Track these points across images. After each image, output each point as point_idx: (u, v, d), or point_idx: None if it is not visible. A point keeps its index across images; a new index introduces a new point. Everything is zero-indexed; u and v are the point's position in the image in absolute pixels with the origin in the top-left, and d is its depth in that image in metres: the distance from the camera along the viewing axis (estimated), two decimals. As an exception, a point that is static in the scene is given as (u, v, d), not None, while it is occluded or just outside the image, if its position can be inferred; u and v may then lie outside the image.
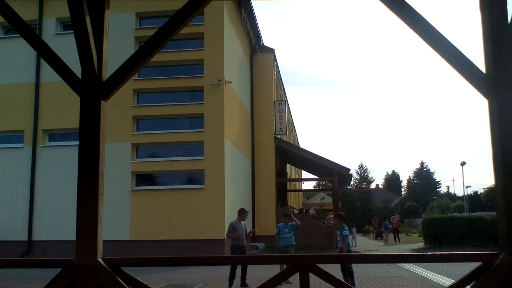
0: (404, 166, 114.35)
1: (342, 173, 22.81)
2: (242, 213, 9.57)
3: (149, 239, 15.41)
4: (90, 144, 3.12)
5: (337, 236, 8.46)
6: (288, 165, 31.23)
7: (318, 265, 3.13)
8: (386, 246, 24.47)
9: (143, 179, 16.78)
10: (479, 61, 3.12)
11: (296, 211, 30.67)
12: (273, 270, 8.39)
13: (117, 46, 12.40)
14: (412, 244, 23.06)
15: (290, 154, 24.80)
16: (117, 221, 15.21)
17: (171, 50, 16.49)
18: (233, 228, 9.28)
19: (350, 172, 25.03)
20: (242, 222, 9.45)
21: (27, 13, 16.45)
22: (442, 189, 78.80)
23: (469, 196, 50.21)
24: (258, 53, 22.75)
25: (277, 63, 25.51)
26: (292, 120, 37.47)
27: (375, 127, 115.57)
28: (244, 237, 9.30)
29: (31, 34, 3.18)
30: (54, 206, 15.85)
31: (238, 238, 9.19)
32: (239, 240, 9.20)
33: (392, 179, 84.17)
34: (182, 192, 16.22)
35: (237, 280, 8.93)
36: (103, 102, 3.18)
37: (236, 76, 18.90)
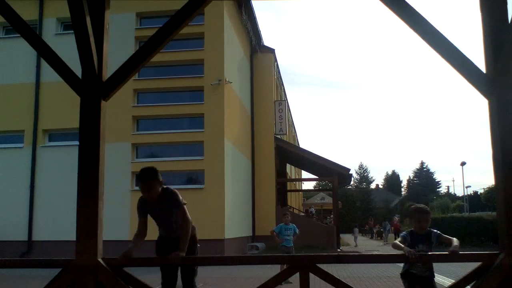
0: (404, 166, 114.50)
1: (342, 173, 22.79)
2: None
3: (149, 239, 15.31)
4: (90, 144, 3.12)
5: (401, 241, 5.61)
6: (288, 165, 31.20)
7: (318, 265, 3.14)
8: (386, 246, 24.47)
9: (143, 179, 16.74)
10: (479, 61, 3.12)
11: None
12: (273, 270, 8.38)
13: (117, 46, 12.38)
14: (412, 244, 22.99)
15: (290, 154, 24.78)
16: (117, 221, 15.16)
17: (171, 50, 16.45)
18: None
19: (350, 172, 25.00)
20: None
21: (27, 13, 16.41)
22: (442, 189, 78.85)
23: (469, 196, 50.20)
24: (258, 53, 22.73)
25: (277, 63, 25.50)
26: (292, 120, 37.45)
27: (375, 127, 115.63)
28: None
29: (31, 34, 3.18)
30: (54, 206, 15.82)
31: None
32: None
33: (392, 179, 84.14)
34: (182, 192, 15.78)
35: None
36: (103, 102, 3.18)
37: (236, 76, 18.88)
